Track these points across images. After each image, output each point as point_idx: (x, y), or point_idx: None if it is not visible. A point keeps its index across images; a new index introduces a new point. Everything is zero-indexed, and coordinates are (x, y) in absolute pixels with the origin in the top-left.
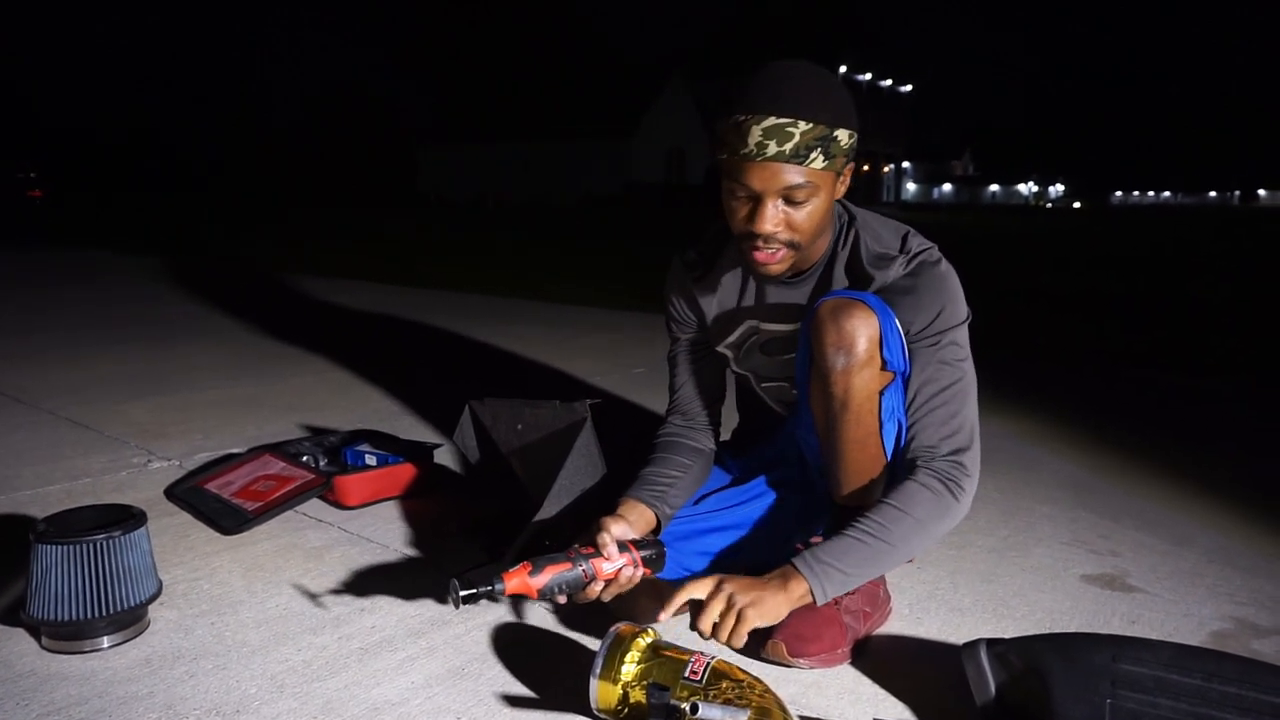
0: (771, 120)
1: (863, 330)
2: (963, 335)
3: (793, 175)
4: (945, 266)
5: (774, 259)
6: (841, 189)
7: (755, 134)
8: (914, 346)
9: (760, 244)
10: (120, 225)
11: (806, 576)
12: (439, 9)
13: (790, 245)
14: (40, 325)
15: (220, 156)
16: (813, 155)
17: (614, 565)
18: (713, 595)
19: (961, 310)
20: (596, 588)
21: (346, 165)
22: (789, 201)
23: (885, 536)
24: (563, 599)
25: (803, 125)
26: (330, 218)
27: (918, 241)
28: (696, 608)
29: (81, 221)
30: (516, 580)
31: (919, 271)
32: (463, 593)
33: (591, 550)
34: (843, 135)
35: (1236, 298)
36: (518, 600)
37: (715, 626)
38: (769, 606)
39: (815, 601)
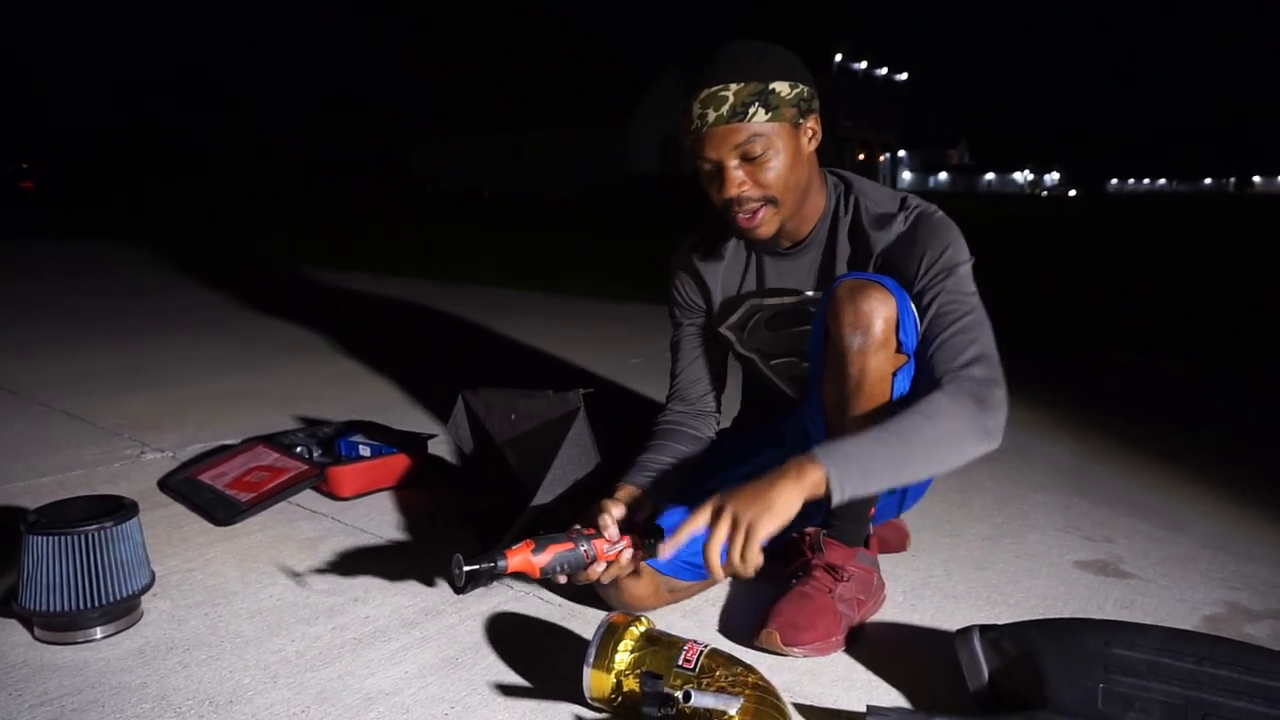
0: (705, 91)
1: (880, 311)
2: (969, 273)
3: (738, 134)
4: (945, 215)
5: (756, 220)
6: (811, 144)
7: (695, 109)
8: (923, 285)
9: (737, 209)
10: (114, 218)
11: (825, 464)
12: (431, 4)
13: (767, 201)
14: (33, 318)
15: (214, 148)
16: (751, 110)
17: (615, 547)
18: (715, 522)
19: (965, 251)
20: (597, 569)
21: (341, 158)
22: (747, 159)
23: (910, 440)
24: (563, 579)
25: (734, 86)
26: (326, 210)
27: (916, 200)
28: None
29: (75, 214)
30: (519, 558)
31: (919, 222)
32: (466, 568)
33: (593, 531)
34: (782, 87)
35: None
36: (513, 584)
37: (728, 553)
38: (778, 506)
39: (830, 497)
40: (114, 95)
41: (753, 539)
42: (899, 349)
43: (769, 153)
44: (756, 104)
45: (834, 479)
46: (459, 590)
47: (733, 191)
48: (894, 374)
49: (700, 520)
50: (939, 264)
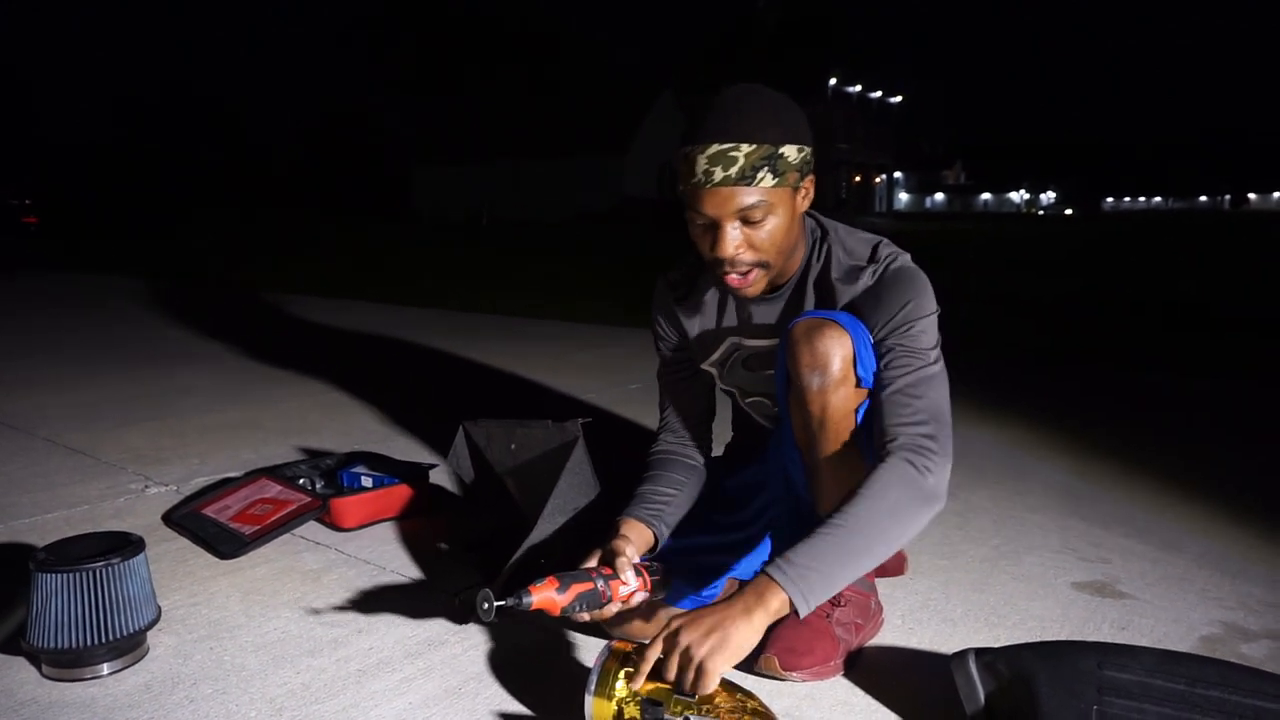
0: (715, 147)
1: (836, 350)
2: (930, 325)
3: (743, 197)
4: (913, 267)
5: (746, 282)
6: (804, 203)
7: (701, 163)
8: (881, 337)
9: (728, 268)
10: (113, 248)
11: (784, 586)
12: (431, 28)
13: (759, 265)
14: (34, 351)
15: (212, 171)
16: (760, 175)
17: (629, 588)
18: (668, 652)
19: (929, 304)
20: (612, 609)
21: (343, 185)
22: (746, 222)
23: (859, 528)
24: (584, 617)
25: (745, 148)
26: (327, 237)
27: (887, 250)
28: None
29: (77, 247)
30: (543, 595)
31: (884, 275)
32: (498, 603)
33: (610, 571)
34: (790, 151)
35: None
36: (502, 619)
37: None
38: (736, 641)
39: (798, 614)
40: (112, 113)
41: (705, 677)
42: (859, 384)
43: (769, 218)
44: (766, 169)
45: (797, 600)
46: (462, 621)
47: (728, 252)
48: (857, 409)
49: (654, 651)
50: (897, 318)
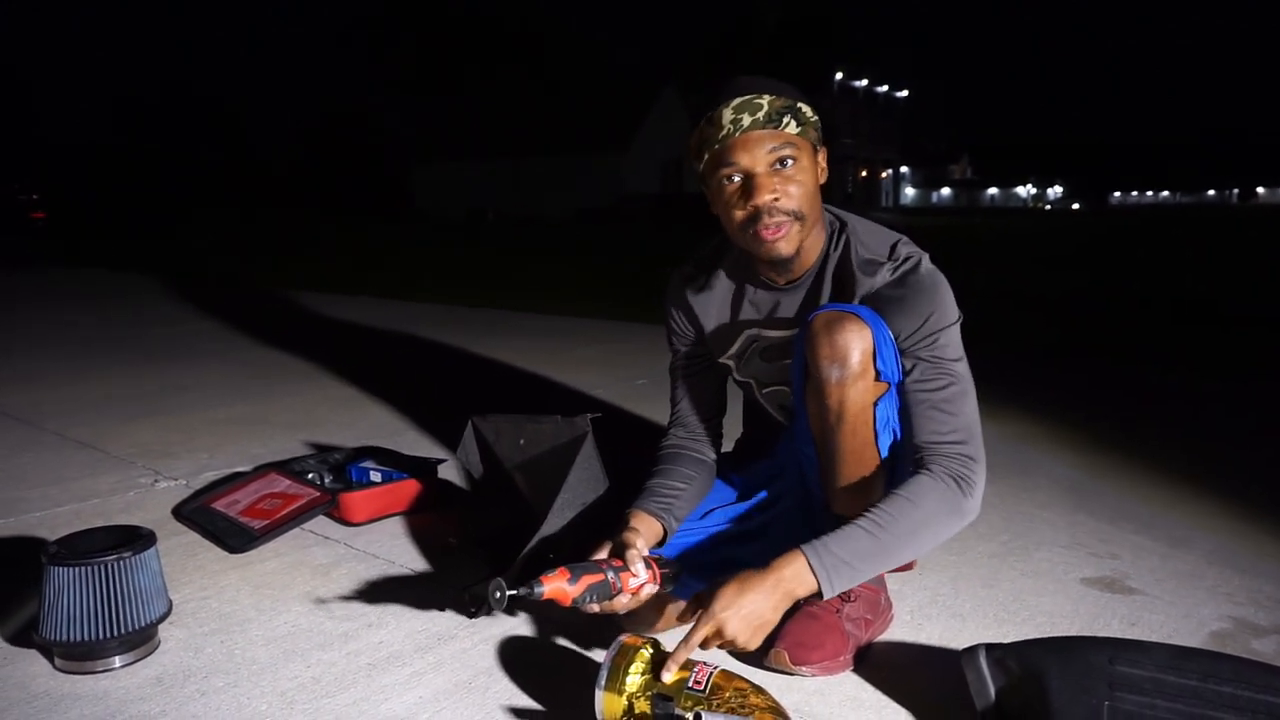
0: (739, 99)
1: (856, 343)
2: (954, 336)
3: (774, 138)
4: (932, 271)
5: (781, 233)
6: (821, 174)
7: (727, 115)
8: (906, 351)
9: (765, 219)
10: (119, 245)
11: (815, 569)
12: (431, 28)
13: (794, 216)
14: (43, 346)
15: (214, 170)
16: (785, 120)
17: (639, 580)
18: (709, 640)
19: (951, 312)
20: (622, 600)
21: (343, 185)
22: (779, 168)
23: (894, 529)
24: (594, 608)
25: (768, 96)
26: (327, 237)
27: (906, 249)
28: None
29: (78, 246)
30: (554, 586)
31: (906, 280)
32: (510, 592)
33: (621, 564)
34: (806, 109)
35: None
36: (514, 611)
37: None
38: (772, 620)
39: (822, 596)
40: (112, 113)
41: (747, 648)
42: (878, 378)
43: (798, 166)
44: (789, 116)
45: (824, 584)
46: (472, 615)
47: (764, 199)
48: (875, 403)
49: (699, 636)
50: (922, 330)
